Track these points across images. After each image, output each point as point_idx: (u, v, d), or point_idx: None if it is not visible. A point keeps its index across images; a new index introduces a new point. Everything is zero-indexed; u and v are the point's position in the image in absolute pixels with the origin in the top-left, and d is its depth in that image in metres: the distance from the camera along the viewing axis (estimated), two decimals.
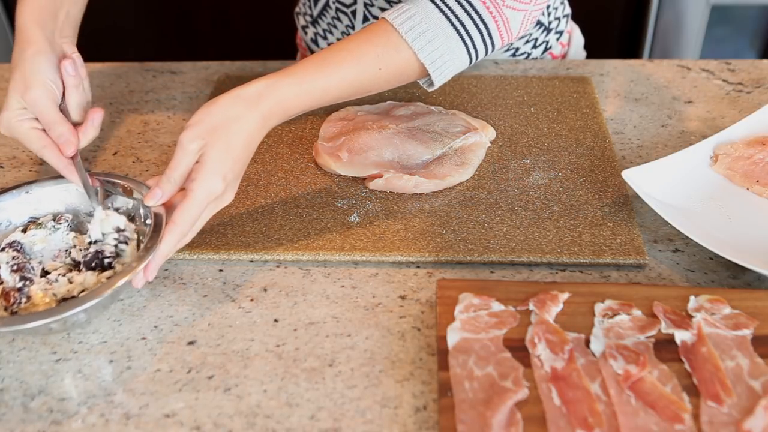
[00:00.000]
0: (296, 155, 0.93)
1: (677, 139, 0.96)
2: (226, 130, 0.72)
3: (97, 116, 0.79)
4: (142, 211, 0.77)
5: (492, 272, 0.77)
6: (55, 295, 0.71)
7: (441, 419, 0.60)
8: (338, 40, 1.17)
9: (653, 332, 0.67)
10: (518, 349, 0.66)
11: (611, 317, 0.68)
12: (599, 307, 0.69)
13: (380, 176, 0.85)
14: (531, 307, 0.69)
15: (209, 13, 2.14)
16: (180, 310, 0.74)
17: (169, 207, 0.72)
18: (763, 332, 0.67)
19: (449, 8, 0.79)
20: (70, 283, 0.72)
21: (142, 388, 0.67)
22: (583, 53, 1.27)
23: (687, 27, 2.03)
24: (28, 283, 0.71)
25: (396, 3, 1.08)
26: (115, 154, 0.97)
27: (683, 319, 0.68)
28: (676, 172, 0.85)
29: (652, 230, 0.82)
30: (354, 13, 1.12)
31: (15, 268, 0.72)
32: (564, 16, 1.17)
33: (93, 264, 0.73)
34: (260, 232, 0.81)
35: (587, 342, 0.66)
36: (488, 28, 0.80)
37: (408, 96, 1.03)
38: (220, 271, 0.79)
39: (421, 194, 0.86)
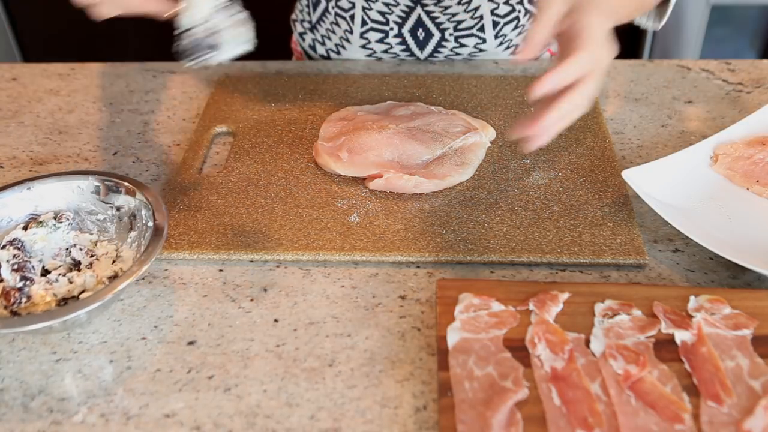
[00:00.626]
0: (296, 155, 0.93)
1: (677, 139, 0.96)
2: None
3: None
4: (143, 211, 0.77)
5: (492, 272, 0.78)
6: (55, 295, 0.71)
7: (441, 419, 0.60)
8: (336, 45, 1.17)
9: (653, 332, 0.67)
10: (518, 349, 0.66)
11: (611, 317, 0.68)
12: (599, 307, 0.69)
13: (380, 176, 0.85)
14: (531, 307, 0.69)
15: None
16: (180, 310, 0.74)
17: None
18: (763, 332, 0.67)
19: None
20: (71, 283, 0.72)
21: (142, 388, 0.67)
22: None
23: (687, 27, 2.04)
24: (28, 282, 0.71)
25: (394, 6, 1.09)
26: (115, 154, 0.97)
27: (683, 319, 0.68)
28: (676, 172, 0.85)
29: (652, 230, 0.82)
30: (352, 17, 1.12)
31: (16, 267, 0.72)
32: None
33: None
34: (260, 232, 0.81)
35: (587, 342, 0.66)
36: None
37: (408, 96, 1.03)
38: (220, 271, 0.79)
39: (421, 194, 0.86)
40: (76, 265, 0.75)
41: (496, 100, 1.02)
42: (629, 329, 0.67)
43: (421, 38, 1.12)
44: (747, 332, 0.66)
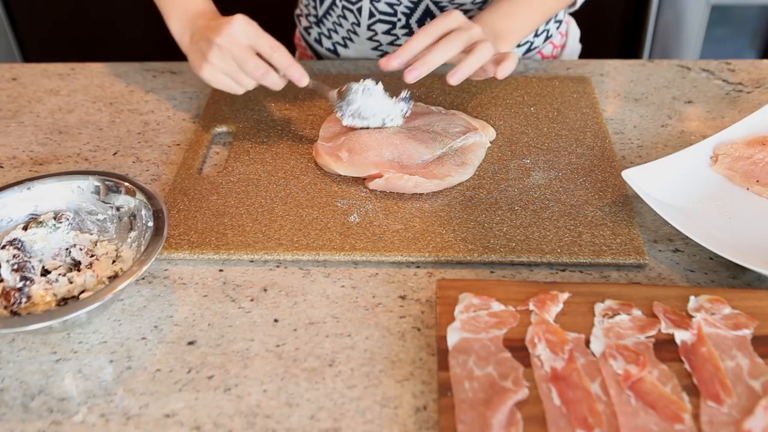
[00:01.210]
0: (296, 155, 0.93)
1: (677, 139, 0.96)
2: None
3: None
4: (143, 211, 0.77)
5: (492, 272, 0.78)
6: (55, 295, 0.71)
7: (441, 419, 0.60)
8: (343, 38, 1.17)
9: (653, 332, 0.67)
10: (518, 349, 0.66)
11: (611, 317, 0.68)
12: (599, 307, 0.69)
13: (380, 176, 0.85)
14: (531, 307, 0.69)
15: None
16: (180, 310, 0.74)
17: None
18: (763, 332, 0.67)
19: None
20: (71, 283, 0.72)
21: (142, 388, 0.67)
22: (579, 46, 1.27)
23: (687, 27, 2.03)
24: (28, 282, 0.71)
25: None
26: (115, 154, 0.97)
27: (683, 319, 0.68)
28: (676, 172, 0.85)
29: (652, 230, 0.82)
30: (360, 10, 1.12)
31: (16, 267, 0.72)
32: None
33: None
34: (260, 232, 0.81)
35: (587, 342, 0.66)
36: None
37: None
38: (220, 271, 0.79)
39: (421, 194, 0.86)
40: (76, 265, 0.75)
41: (496, 100, 1.02)
42: (629, 329, 0.67)
43: None
44: (747, 332, 0.66)
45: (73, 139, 1.00)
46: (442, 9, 1.10)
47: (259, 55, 0.88)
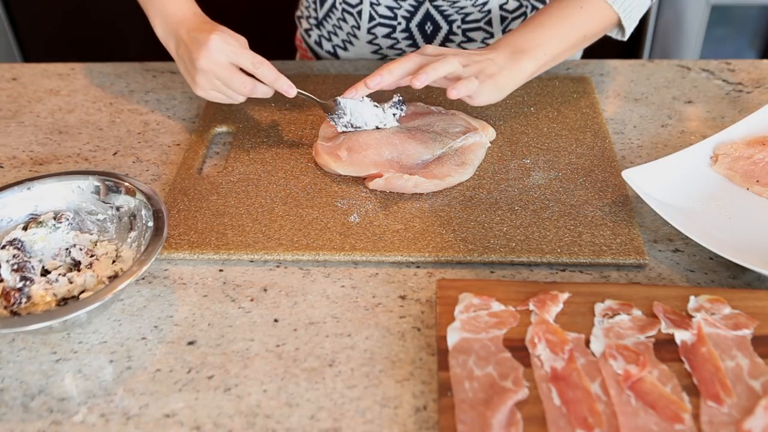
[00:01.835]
0: (296, 155, 0.93)
1: (677, 139, 0.96)
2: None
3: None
4: (144, 211, 0.77)
5: (492, 272, 0.78)
6: (55, 295, 0.71)
7: (441, 419, 0.60)
8: (343, 41, 1.17)
9: (653, 332, 0.67)
10: (518, 349, 0.66)
11: (611, 317, 0.68)
12: (599, 307, 0.69)
13: (380, 176, 0.85)
14: (531, 307, 0.69)
15: (208, 13, 2.14)
16: (180, 310, 0.74)
17: None
18: (763, 332, 0.67)
19: None
20: (71, 283, 0.72)
21: (142, 388, 0.67)
22: None
23: (687, 27, 2.03)
24: (28, 283, 0.71)
25: (402, 0, 1.09)
26: (115, 154, 0.97)
27: (683, 319, 0.68)
28: (676, 172, 0.85)
29: (652, 230, 0.82)
30: (360, 13, 1.12)
31: (15, 267, 0.72)
32: None
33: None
34: (260, 232, 0.81)
35: (587, 342, 0.66)
36: None
37: (408, 96, 1.03)
38: (220, 271, 0.79)
39: (421, 194, 0.86)
40: (76, 265, 0.75)
41: None
42: (629, 329, 0.67)
43: (428, 32, 1.12)
44: (747, 332, 0.66)
45: (73, 139, 1.00)
46: (442, 12, 1.10)
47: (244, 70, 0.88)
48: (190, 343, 0.71)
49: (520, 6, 1.12)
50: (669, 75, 1.10)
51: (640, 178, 0.82)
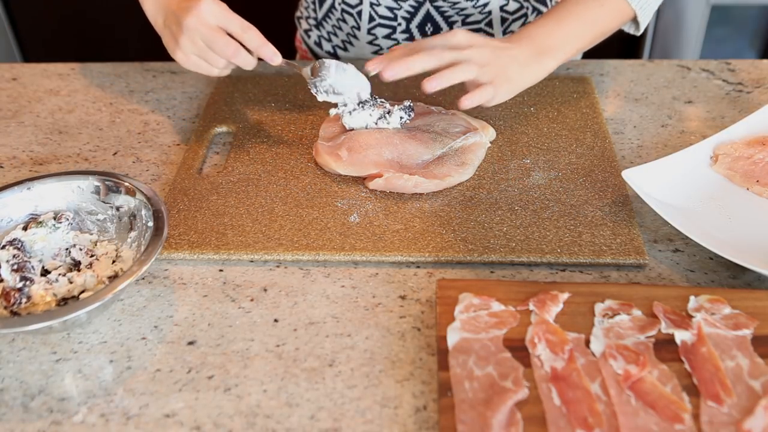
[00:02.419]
0: (296, 155, 0.93)
1: (677, 139, 0.96)
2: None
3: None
4: (144, 211, 0.77)
5: (492, 272, 0.78)
6: (55, 295, 0.71)
7: (441, 419, 0.60)
8: (343, 42, 1.17)
9: (653, 332, 0.67)
10: (518, 349, 0.66)
11: (611, 317, 0.68)
12: (599, 307, 0.69)
13: (380, 176, 0.85)
14: (531, 307, 0.69)
15: None
16: (180, 310, 0.74)
17: None
18: (763, 332, 0.67)
19: None
20: (71, 283, 0.72)
21: (142, 388, 0.67)
22: None
23: (687, 27, 2.03)
24: (28, 283, 0.71)
25: (402, 1, 1.09)
26: (115, 154, 0.97)
27: (683, 319, 0.68)
28: (676, 172, 0.85)
29: (652, 230, 0.82)
30: (360, 13, 1.12)
31: (15, 267, 0.72)
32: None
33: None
34: (260, 232, 0.81)
35: (587, 342, 0.66)
36: None
37: (408, 96, 1.03)
38: (220, 271, 0.79)
39: (421, 194, 0.86)
40: (76, 265, 0.75)
41: None
42: (629, 329, 0.67)
43: (429, 33, 1.12)
44: (747, 332, 0.66)
45: (73, 139, 1.00)
46: (442, 14, 1.10)
47: (231, 36, 0.87)
48: (190, 343, 0.71)
49: (521, 7, 1.12)
50: (669, 75, 1.10)
51: (640, 178, 0.82)
